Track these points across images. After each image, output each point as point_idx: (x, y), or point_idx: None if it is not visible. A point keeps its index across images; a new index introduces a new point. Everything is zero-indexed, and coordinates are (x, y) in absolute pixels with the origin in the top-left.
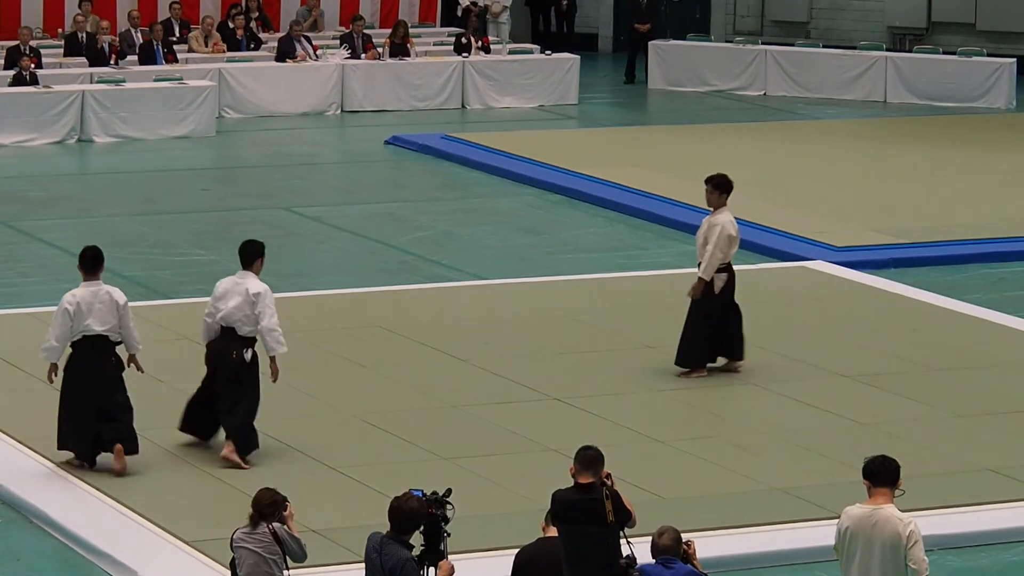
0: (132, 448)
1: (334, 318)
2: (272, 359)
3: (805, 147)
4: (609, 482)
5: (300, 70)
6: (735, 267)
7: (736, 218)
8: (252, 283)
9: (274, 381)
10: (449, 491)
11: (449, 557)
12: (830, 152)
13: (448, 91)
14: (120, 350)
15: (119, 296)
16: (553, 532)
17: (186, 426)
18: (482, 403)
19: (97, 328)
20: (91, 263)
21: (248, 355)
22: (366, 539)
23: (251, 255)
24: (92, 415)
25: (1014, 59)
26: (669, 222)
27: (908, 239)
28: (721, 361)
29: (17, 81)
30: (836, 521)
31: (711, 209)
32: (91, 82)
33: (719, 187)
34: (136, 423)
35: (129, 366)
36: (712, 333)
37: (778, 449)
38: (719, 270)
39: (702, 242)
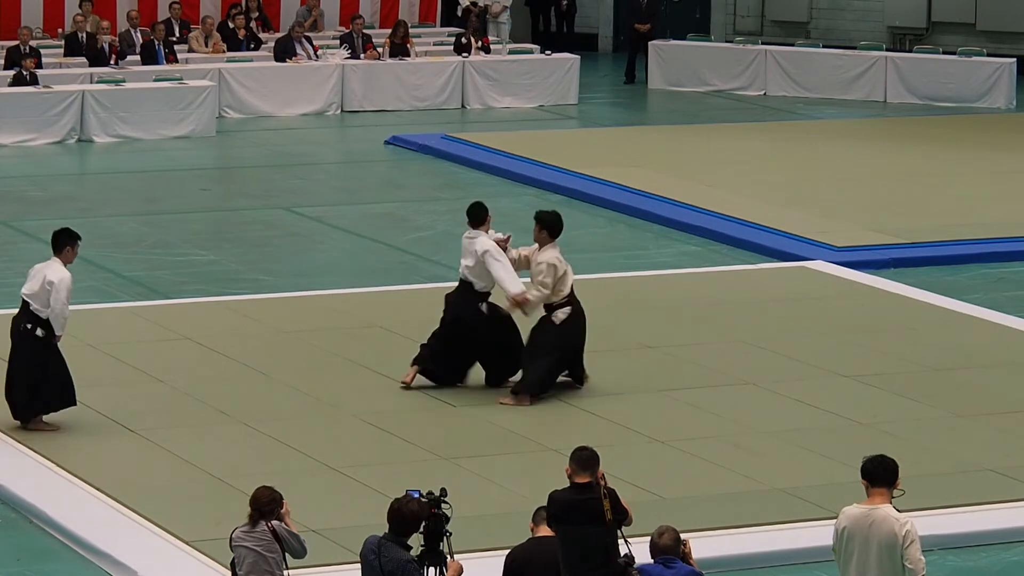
0: (16, 414)
1: (334, 318)
2: (514, 297)
3: (805, 147)
4: (603, 482)
5: (300, 70)
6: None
7: (736, 218)
8: (480, 243)
9: (526, 310)
10: (444, 491)
11: (455, 556)
12: (830, 152)
13: (448, 91)
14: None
15: (53, 274)
16: (542, 532)
17: (426, 371)
18: (482, 403)
19: (24, 290)
20: (53, 241)
21: (484, 308)
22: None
23: (477, 217)
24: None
25: (1014, 59)
26: (669, 222)
27: (908, 239)
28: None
29: (17, 81)
30: (835, 521)
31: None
32: (91, 82)
33: (545, 226)
34: (135, 423)
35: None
36: (554, 365)
37: (778, 449)
38: (561, 305)
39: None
